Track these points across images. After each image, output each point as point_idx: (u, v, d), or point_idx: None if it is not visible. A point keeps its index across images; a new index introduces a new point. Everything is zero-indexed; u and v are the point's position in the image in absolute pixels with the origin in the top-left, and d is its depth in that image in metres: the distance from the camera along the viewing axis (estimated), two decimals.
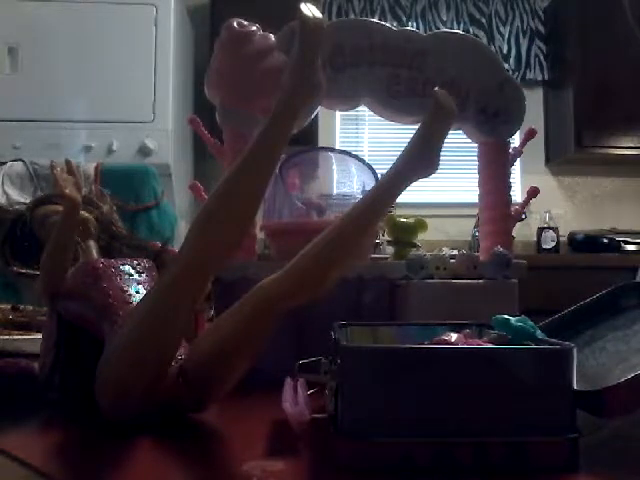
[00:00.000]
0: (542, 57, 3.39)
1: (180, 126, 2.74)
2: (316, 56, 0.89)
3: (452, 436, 0.68)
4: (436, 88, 1.02)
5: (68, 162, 1.10)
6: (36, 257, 1.06)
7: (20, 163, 2.23)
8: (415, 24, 3.31)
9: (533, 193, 1.44)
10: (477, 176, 1.46)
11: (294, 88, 0.87)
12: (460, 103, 1.29)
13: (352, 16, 3.23)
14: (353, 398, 0.69)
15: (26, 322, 1.26)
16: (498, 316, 0.87)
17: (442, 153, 0.97)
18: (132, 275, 0.99)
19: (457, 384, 0.69)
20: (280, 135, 0.87)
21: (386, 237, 1.53)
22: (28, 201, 1.49)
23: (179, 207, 2.54)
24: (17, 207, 1.50)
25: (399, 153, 0.97)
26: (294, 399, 0.81)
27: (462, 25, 3.36)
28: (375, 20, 1.48)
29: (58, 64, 2.61)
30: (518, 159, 1.47)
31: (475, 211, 1.77)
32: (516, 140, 1.87)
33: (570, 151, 3.17)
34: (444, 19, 3.36)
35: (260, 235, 1.37)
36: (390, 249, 1.50)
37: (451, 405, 0.69)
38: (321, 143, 2.95)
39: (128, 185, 2.13)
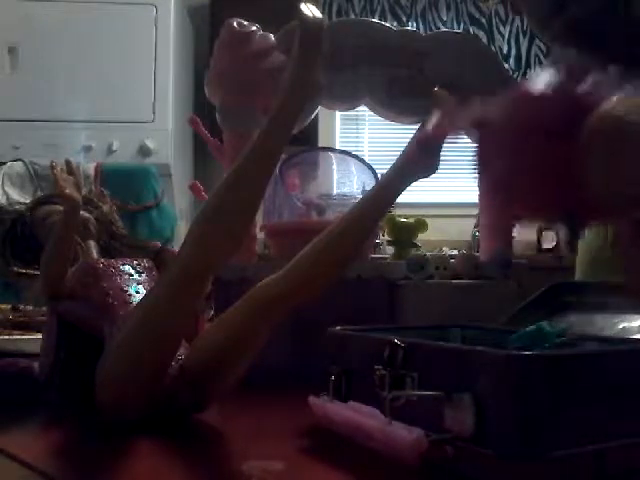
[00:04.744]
0: (542, 57, 3.38)
1: (180, 126, 2.74)
2: (316, 56, 0.89)
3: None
4: (436, 88, 1.02)
5: (68, 162, 1.09)
6: (36, 257, 1.06)
7: (20, 163, 2.23)
8: (415, 24, 3.31)
9: None
10: (477, 176, 1.45)
11: (294, 88, 0.87)
12: (460, 103, 1.29)
13: (352, 16, 3.22)
14: (519, 414, 0.59)
15: (26, 322, 1.26)
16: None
17: (442, 153, 0.97)
18: (132, 275, 0.99)
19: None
20: (280, 135, 0.87)
21: (386, 237, 1.52)
22: (28, 201, 1.49)
23: (179, 207, 2.53)
24: (17, 207, 1.49)
25: (399, 153, 0.97)
26: (383, 419, 0.67)
27: (462, 25, 3.35)
28: (375, 20, 1.48)
29: (58, 64, 2.60)
30: None
31: (475, 211, 1.77)
32: None
33: None
34: (444, 19, 3.35)
35: (260, 235, 1.37)
36: (390, 249, 1.50)
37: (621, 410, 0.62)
38: (321, 143, 2.94)
39: (128, 185, 2.13)
